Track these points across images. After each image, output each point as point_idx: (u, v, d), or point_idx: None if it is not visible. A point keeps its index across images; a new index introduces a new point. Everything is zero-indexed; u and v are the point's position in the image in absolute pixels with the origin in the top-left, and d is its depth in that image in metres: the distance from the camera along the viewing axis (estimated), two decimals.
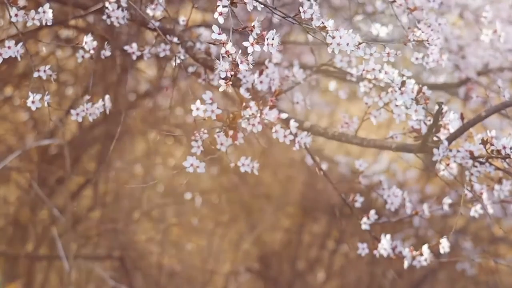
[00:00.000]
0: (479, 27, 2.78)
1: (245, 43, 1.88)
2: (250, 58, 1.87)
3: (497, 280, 3.77)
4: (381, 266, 4.44)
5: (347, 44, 1.98)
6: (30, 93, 2.17)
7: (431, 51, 2.30)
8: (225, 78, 1.86)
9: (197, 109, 2.15)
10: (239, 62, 1.85)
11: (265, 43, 1.88)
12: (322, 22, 1.98)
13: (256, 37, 1.88)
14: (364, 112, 2.48)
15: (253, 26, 1.88)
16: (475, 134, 2.31)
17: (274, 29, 1.90)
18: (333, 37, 1.97)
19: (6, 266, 3.99)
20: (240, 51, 1.88)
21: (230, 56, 1.86)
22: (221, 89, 1.90)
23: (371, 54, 2.12)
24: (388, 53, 2.18)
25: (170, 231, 4.57)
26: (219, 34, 1.86)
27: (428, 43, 2.25)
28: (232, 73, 1.86)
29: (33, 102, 2.18)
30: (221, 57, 1.87)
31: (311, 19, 1.97)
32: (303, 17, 1.97)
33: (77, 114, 2.33)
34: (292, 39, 3.75)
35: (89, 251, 4.13)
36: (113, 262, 4.15)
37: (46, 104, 2.19)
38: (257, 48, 1.88)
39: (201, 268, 4.54)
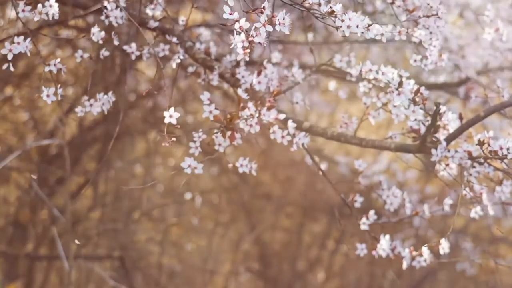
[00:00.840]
0: (481, 26, 2.78)
1: (257, 24, 1.87)
2: (263, 33, 1.85)
3: (497, 280, 3.77)
4: (381, 266, 4.44)
5: (357, 26, 1.97)
6: (43, 88, 2.17)
7: (430, 53, 2.29)
8: (243, 48, 1.84)
9: (170, 116, 2.12)
10: (254, 35, 1.84)
11: (277, 23, 1.87)
12: (330, 7, 1.96)
13: (267, 18, 1.87)
14: (363, 112, 2.48)
15: (264, 7, 1.87)
16: (475, 134, 2.31)
17: (284, 10, 1.89)
18: (343, 20, 1.96)
19: (6, 266, 3.99)
20: (253, 26, 1.87)
21: (244, 32, 1.84)
22: (238, 58, 1.88)
23: (382, 34, 2.11)
24: (399, 32, 2.17)
25: (170, 231, 4.57)
26: (230, 14, 1.85)
27: (429, 45, 2.25)
28: (248, 42, 1.84)
29: (48, 95, 2.18)
30: (235, 32, 1.85)
31: (319, 4, 1.96)
32: (310, 3, 1.96)
33: (91, 105, 2.33)
34: (292, 39, 3.75)
35: (89, 251, 4.13)
36: (113, 262, 4.15)
37: (59, 97, 2.19)
38: (269, 28, 1.87)
39: (201, 268, 4.54)
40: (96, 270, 3.88)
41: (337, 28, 1.96)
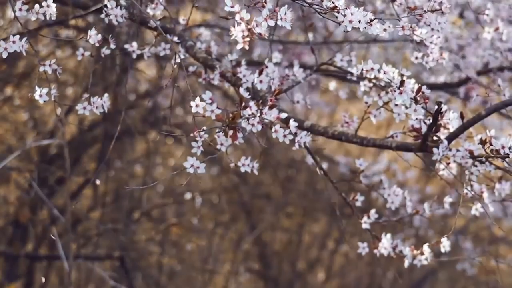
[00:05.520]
0: (481, 25, 2.79)
1: (258, 19, 1.85)
2: (264, 26, 1.83)
3: (497, 280, 3.77)
4: (381, 266, 4.45)
5: (359, 21, 1.96)
6: (36, 87, 2.16)
7: (431, 50, 2.29)
8: (243, 37, 1.83)
9: (197, 105, 2.12)
10: (255, 25, 1.82)
11: (279, 17, 1.85)
12: (332, 2, 1.95)
13: (268, 12, 1.86)
14: (364, 111, 2.47)
15: (265, 1, 1.86)
16: (475, 134, 2.31)
17: (286, 5, 1.88)
18: (345, 15, 1.94)
19: (6, 266, 3.99)
20: (254, 19, 1.85)
21: (245, 22, 1.82)
22: (238, 47, 1.85)
23: (385, 30, 2.09)
24: (402, 27, 2.16)
25: (170, 231, 4.57)
26: (231, 7, 1.84)
27: (430, 42, 2.25)
28: (248, 33, 1.82)
29: (40, 95, 2.16)
30: (236, 23, 1.84)
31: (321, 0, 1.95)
32: None
33: (84, 108, 2.31)
34: (292, 39, 3.75)
35: (89, 251, 4.13)
36: (113, 262, 4.15)
37: (52, 98, 2.18)
38: (271, 23, 1.85)
39: (201, 268, 4.54)
40: (96, 270, 3.88)
41: (339, 23, 1.94)
